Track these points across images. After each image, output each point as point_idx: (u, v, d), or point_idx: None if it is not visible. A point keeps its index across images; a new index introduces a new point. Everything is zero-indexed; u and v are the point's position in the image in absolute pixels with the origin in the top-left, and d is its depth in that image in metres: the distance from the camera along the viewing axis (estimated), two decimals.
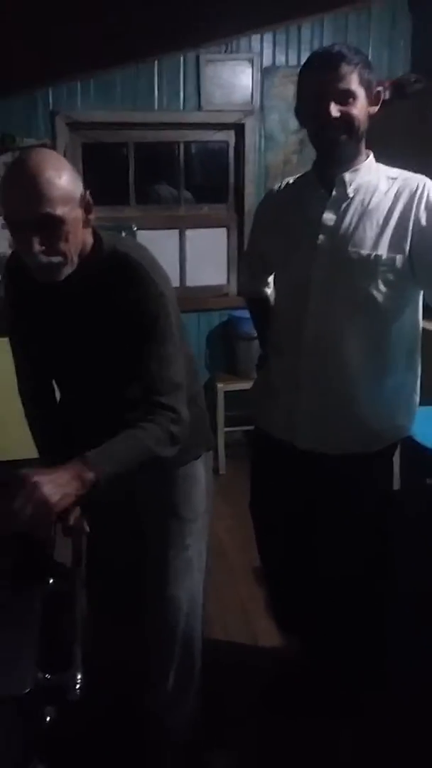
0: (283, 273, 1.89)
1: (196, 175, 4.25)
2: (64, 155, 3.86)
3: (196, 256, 4.15)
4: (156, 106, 3.87)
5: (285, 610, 2.19)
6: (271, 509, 1.98)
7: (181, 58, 3.84)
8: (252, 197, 4.01)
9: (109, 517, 1.68)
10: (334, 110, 1.59)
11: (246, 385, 3.69)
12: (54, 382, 1.68)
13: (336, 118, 1.60)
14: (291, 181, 1.90)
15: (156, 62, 3.82)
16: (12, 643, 1.18)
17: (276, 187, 1.95)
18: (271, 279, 2.04)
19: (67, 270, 1.37)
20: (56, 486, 1.23)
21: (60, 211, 1.28)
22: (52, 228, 1.30)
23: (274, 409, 1.87)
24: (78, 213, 1.34)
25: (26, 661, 1.13)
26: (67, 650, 1.20)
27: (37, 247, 1.29)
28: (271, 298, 2.04)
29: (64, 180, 1.30)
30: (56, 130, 3.80)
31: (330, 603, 1.89)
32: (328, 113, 1.59)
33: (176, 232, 4.10)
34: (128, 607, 1.76)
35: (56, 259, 1.33)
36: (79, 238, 1.37)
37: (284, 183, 1.91)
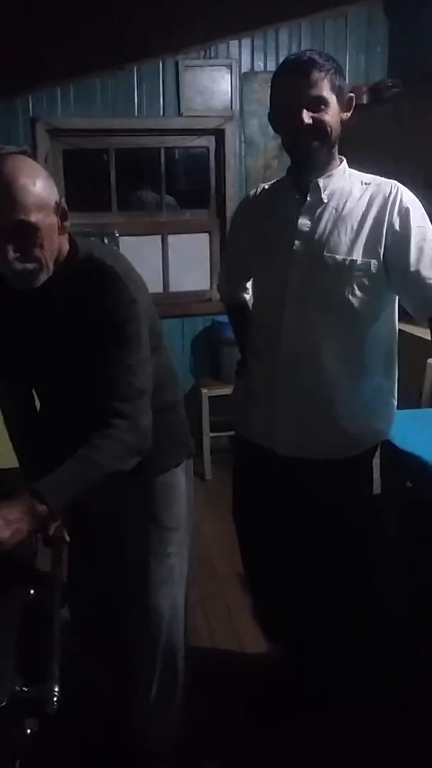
0: (260, 278, 1.90)
1: (179, 181, 4.26)
2: (45, 162, 3.85)
3: (178, 262, 4.15)
4: (136, 113, 3.87)
5: (270, 617, 2.18)
6: (253, 516, 1.98)
7: (160, 64, 3.85)
8: (233, 202, 4.01)
9: (89, 526, 1.68)
10: (306, 117, 1.60)
11: (230, 390, 3.73)
12: (34, 391, 1.67)
13: (308, 125, 1.60)
14: (267, 186, 1.91)
15: (135, 68, 3.82)
16: None
17: (252, 192, 1.95)
18: (249, 284, 2.04)
19: (43, 277, 1.36)
20: (6, 522, 1.23)
21: (34, 218, 1.28)
22: (27, 235, 1.29)
23: (254, 415, 1.87)
24: (53, 220, 1.34)
25: (2, 673, 1.12)
26: (44, 662, 1.20)
27: (11, 254, 1.29)
28: (250, 304, 2.05)
29: (38, 187, 1.30)
30: (37, 137, 3.79)
31: (313, 608, 1.89)
32: (301, 120, 1.60)
33: (158, 237, 4.10)
34: (110, 617, 1.75)
35: (31, 265, 1.32)
36: (55, 245, 1.37)
37: (260, 188, 1.92)
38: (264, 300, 1.87)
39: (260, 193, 1.91)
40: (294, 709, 2.00)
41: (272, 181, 1.91)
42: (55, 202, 1.35)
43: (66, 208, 1.38)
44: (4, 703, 1.07)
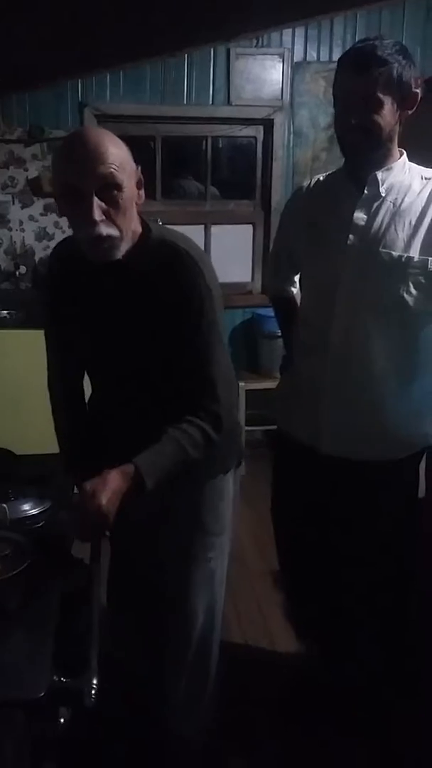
0: (311, 272, 1.85)
1: (223, 171, 4.22)
2: None
3: (220, 253, 4.11)
4: (185, 100, 3.84)
5: (304, 617, 2.15)
6: (293, 514, 1.95)
7: (212, 52, 3.80)
8: (279, 194, 3.97)
9: (131, 523, 1.64)
10: (355, 116, 1.56)
11: (269, 384, 3.70)
12: (89, 377, 1.63)
13: (356, 125, 1.57)
14: (321, 178, 1.86)
15: (186, 56, 3.78)
16: (27, 644, 1.17)
17: (306, 183, 1.90)
18: (297, 278, 2.00)
19: (123, 247, 1.35)
20: (111, 493, 1.27)
21: (120, 176, 1.28)
22: (113, 196, 1.29)
23: (298, 412, 1.83)
24: (132, 187, 1.33)
25: (41, 664, 1.11)
26: (83, 654, 1.18)
27: (98, 213, 1.27)
28: (297, 298, 2.01)
29: (123, 150, 1.32)
30: (84, 122, 3.78)
31: (353, 610, 1.85)
32: (348, 119, 1.57)
33: (201, 227, 4.07)
34: (145, 614, 1.72)
35: (114, 231, 1.31)
36: (133, 216, 1.36)
37: (314, 180, 1.87)
38: (314, 295, 1.83)
39: (314, 184, 1.86)
40: (324, 710, 1.97)
41: (327, 173, 1.86)
42: (134, 169, 1.35)
43: (141, 177, 1.37)
44: (42, 694, 1.06)
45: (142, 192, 1.38)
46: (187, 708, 1.70)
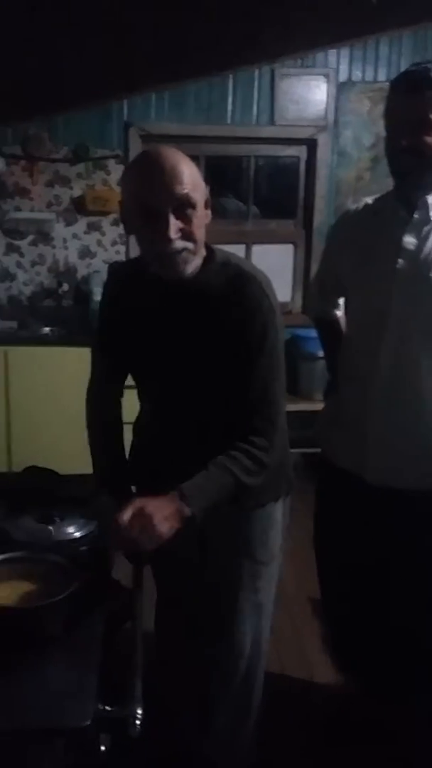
0: (358, 297, 1.82)
1: (263, 190, 4.22)
2: None
3: None
4: (228, 120, 3.86)
5: (346, 650, 2.09)
6: (337, 544, 1.90)
7: (256, 72, 3.83)
8: (322, 214, 3.95)
9: (178, 550, 1.62)
10: (406, 139, 1.55)
11: (307, 406, 3.67)
12: (140, 399, 1.62)
13: (407, 147, 1.55)
14: (369, 201, 1.84)
15: (230, 76, 3.81)
16: (72, 670, 1.16)
17: (353, 206, 1.89)
18: (341, 301, 1.97)
19: (195, 263, 1.36)
20: (164, 518, 1.26)
21: (194, 195, 1.31)
22: (187, 213, 1.31)
23: (343, 438, 1.80)
24: (203, 206, 1.35)
25: (87, 692, 1.09)
26: (128, 682, 1.17)
27: (174, 229, 1.29)
28: (342, 322, 1.98)
29: (195, 170, 1.35)
30: (129, 142, 3.83)
31: (403, 650, 1.80)
32: (399, 142, 1.56)
33: (243, 246, 4.07)
34: (190, 646, 1.68)
35: (189, 245, 1.33)
36: (203, 234, 1.37)
37: (362, 203, 1.85)
38: (362, 320, 1.80)
39: (362, 207, 1.84)
40: (367, 746, 1.91)
41: (375, 196, 1.84)
42: (203, 188, 1.36)
43: (210, 198, 1.39)
44: (88, 723, 1.04)
45: (209, 211, 1.39)
46: (229, 742, 1.66)
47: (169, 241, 1.30)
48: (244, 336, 1.37)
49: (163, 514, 1.26)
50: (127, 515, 1.26)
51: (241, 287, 1.38)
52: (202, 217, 1.35)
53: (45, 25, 2.51)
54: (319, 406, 3.74)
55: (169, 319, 1.44)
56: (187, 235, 1.32)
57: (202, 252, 1.41)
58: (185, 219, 1.31)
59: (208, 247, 1.44)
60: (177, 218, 1.30)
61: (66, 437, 3.09)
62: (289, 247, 4.12)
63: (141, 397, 1.60)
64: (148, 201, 1.31)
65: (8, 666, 1.13)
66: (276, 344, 1.41)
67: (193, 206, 1.31)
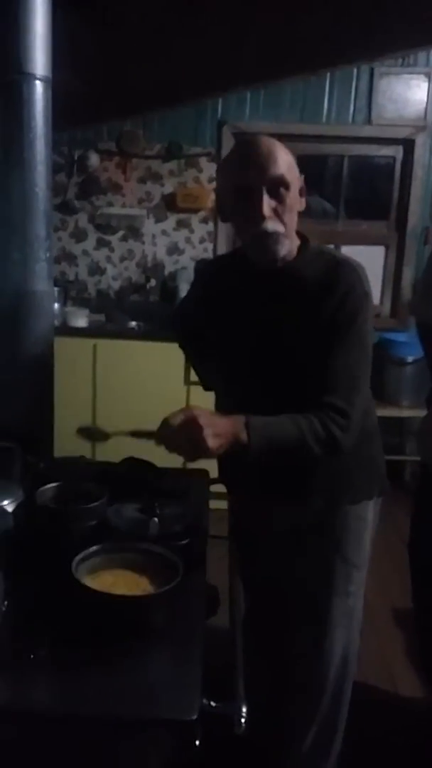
0: None
1: (350, 190, 4.14)
2: None
3: None
4: (324, 119, 3.81)
5: None
6: None
7: (355, 71, 3.76)
8: (416, 216, 3.85)
9: (267, 550, 1.60)
10: None
11: (393, 412, 3.58)
12: (223, 387, 1.61)
13: None
14: None
15: (328, 74, 3.76)
16: (175, 663, 1.15)
17: None
18: None
19: (286, 248, 1.39)
20: (214, 433, 1.25)
21: (289, 177, 1.35)
22: (281, 193, 1.35)
23: None
24: (297, 191, 1.39)
25: (192, 685, 1.08)
26: (229, 680, 1.15)
27: (267, 209, 1.33)
28: None
29: (291, 157, 1.39)
30: (222, 140, 3.83)
31: None
32: None
33: (331, 247, 3.99)
34: (277, 656, 1.64)
35: (280, 228, 1.36)
36: (295, 220, 1.40)
37: None
38: None
39: None
40: None
41: None
42: (298, 176, 1.40)
43: (304, 187, 1.42)
44: (194, 717, 1.03)
45: (304, 200, 1.42)
46: (311, 761, 1.61)
47: (263, 218, 1.34)
48: (335, 317, 1.37)
49: (215, 430, 1.25)
50: (177, 420, 1.25)
51: (336, 273, 1.40)
52: (295, 200, 1.38)
53: (160, 28, 2.53)
54: (406, 412, 3.68)
55: (261, 303, 1.45)
56: (279, 215, 1.35)
57: (296, 239, 1.43)
58: (278, 198, 1.35)
59: (302, 237, 1.46)
60: (270, 198, 1.34)
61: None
62: (380, 249, 4.02)
63: (219, 380, 1.61)
64: (243, 180, 1.35)
65: (113, 655, 1.12)
66: (364, 331, 1.40)
67: (286, 187, 1.35)
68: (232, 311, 1.50)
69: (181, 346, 1.79)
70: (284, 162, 1.35)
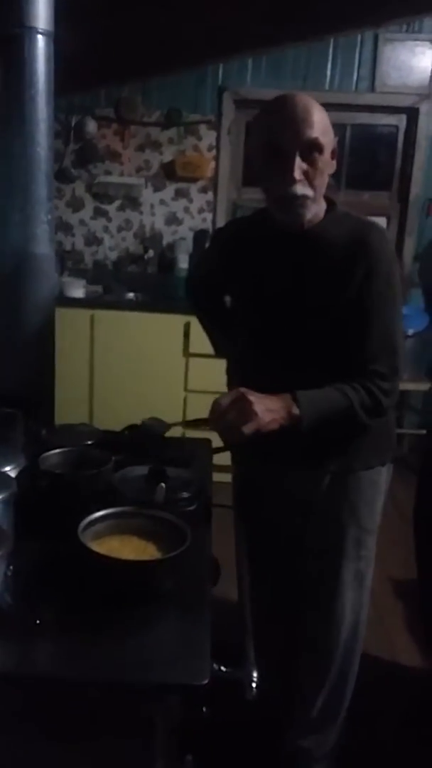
0: None
1: (352, 159, 4.07)
2: (228, 133, 3.82)
3: None
4: (327, 86, 3.73)
5: None
6: None
7: (359, 37, 3.67)
8: (419, 186, 3.80)
9: (279, 514, 1.58)
10: None
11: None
12: (246, 354, 1.58)
13: None
14: None
15: (332, 40, 3.67)
16: (184, 628, 1.13)
17: None
18: None
19: (312, 210, 1.37)
20: (266, 408, 1.27)
21: (323, 139, 1.32)
22: (314, 156, 1.32)
23: None
24: (329, 154, 1.36)
25: (202, 650, 1.06)
26: (239, 645, 1.14)
27: (298, 172, 1.31)
28: None
29: (326, 118, 1.36)
30: (223, 107, 3.76)
31: None
32: None
33: None
34: (285, 622, 1.64)
35: (309, 192, 1.33)
36: (325, 182, 1.37)
37: None
38: None
39: None
40: None
41: None
42: (332, 138, 1.37)
43: (337, 149, 1.38)
44: (205, 681, 1.01)
45: (335, 162, 1.38)
46: (319, 727, 1.62)
47: (293, 181, 1.31)
48: (371, 282, 1.36)
49: (266, 406, 1.27)
50: (226, 399, 1.28)
51: (365, 236, 1.38)
52: (327, 163, 1.35)
53: None
54: (405, 385, 3.66)
55: (285, 266, 1.43)
56: (310, 179, 1.32)
57: (322, 203, 1.41)
58: (311, 162, 1.32)
59: (329, 200, 1.44)
60: (302, 161, 1.31)
61: (147, 399, 3.12)
62: (382, 220, 3.96)
63: (236, 345, 1.59)
64: (277, 140, 1.32)
65: (120, 621, 1.10)
66: (398, 293, 1.41)
67: (320, 150, 1.32)
68: (255, 274, 1.48)
69: (196, 313, 1.77)
70: (320, 124, 1.32)
